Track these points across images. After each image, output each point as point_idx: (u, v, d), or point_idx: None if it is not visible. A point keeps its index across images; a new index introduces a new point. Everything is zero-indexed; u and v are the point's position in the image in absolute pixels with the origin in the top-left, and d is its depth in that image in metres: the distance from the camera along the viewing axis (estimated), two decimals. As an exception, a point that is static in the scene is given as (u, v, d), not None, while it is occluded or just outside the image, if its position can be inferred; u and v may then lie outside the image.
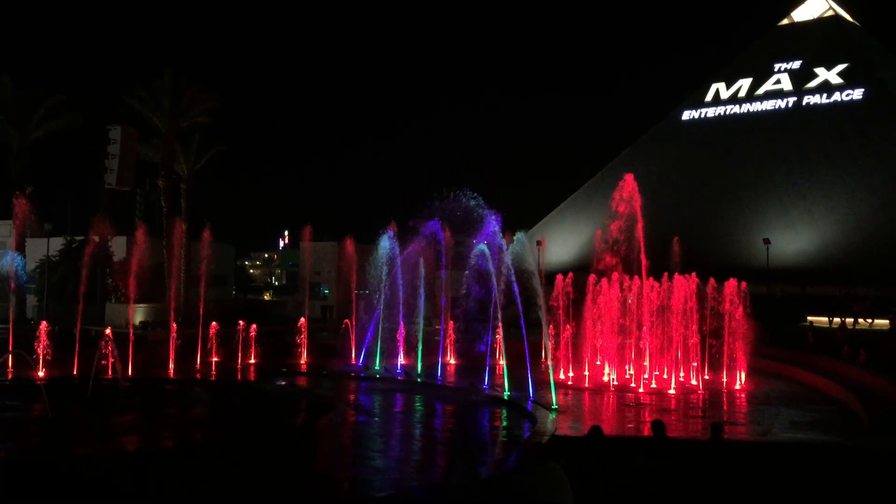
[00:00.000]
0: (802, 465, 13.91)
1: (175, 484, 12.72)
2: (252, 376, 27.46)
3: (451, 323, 31.43)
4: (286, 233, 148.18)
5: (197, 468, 13.45)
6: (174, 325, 29.24)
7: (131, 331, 28.46)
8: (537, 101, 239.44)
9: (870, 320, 39.26)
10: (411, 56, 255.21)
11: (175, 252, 40.76)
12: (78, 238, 46.33)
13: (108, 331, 24.65)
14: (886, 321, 38.28)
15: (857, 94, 71.54)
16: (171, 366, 27.34)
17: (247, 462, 13.59)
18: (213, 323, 29.37)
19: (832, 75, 74.11)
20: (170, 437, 18.03)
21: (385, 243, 30.48)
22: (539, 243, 56.52)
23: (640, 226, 27.58)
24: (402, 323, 29.95)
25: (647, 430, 12.17)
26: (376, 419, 21.67)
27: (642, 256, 27.84)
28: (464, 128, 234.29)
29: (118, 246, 46.12)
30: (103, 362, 23.25)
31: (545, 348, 24.09)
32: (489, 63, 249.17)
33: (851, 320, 40.11)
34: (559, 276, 30.90)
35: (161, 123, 45.14)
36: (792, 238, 65.04)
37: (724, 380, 26.30)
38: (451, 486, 9.53)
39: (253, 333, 29.86)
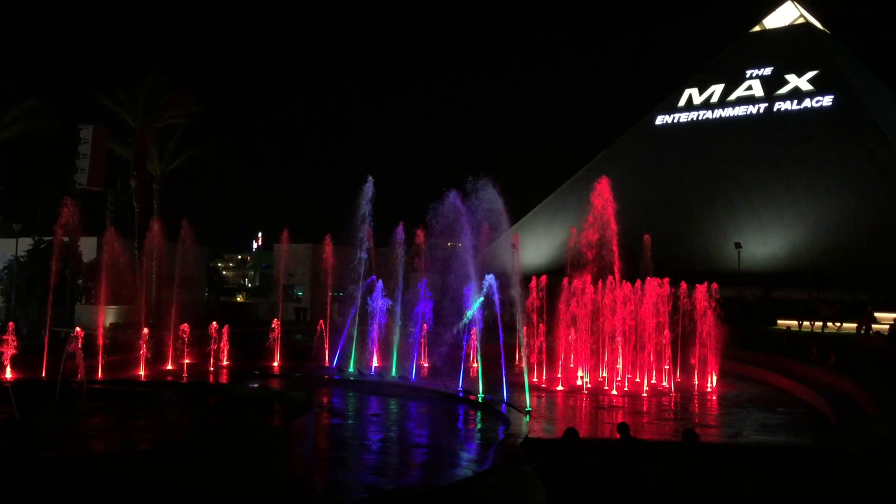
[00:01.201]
0: (772, 466, 14.06)
1: (145, 487, 12.57)
2: (225, 378, 27.25)
3: (425, 326, 31.40)
4: (259, 234, 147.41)
5: (168, 471, 13.30)
6: (145, 327, 28.94)
7: (101, 332, 28.12)
8: (513, 102, 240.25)
9: (838, 324, 39.81)
10: (394, 57, 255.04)
11: (146, 253, 40.34)
12: (46, 238, 45.71)
13: (77, 332, 24.34)
14: (854, 325, 38.86)
15: (827, 100, 72.64)
16: (143, 368, 27.04)
17: (220, 465, 13.47)
18: (185, 325, 29.10)
19: (802, 82, 75.17)
20: (140, 440, 17.82)
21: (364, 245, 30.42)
22: (513, 245, 56.64)
23: (613, 230, 27.77)
24: (376, 325, 29.89)
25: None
26: (350, 421, 21.60)
27: (615, 260, 28.04)
28: (442, 128, 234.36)
29: (88, 246, 45.55)
30: (70, 364, 22.93)
31: (519, 350, 24.14)
32: (466, 59, 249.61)
33: (820, 324, 40.67)
34: (533, 279, 31.00)
35: (134, 123, 44.77)
36: (762, 242, 65.81)
37: (696, 382, 26.55)
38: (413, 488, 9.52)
39: (226, 335, 29.66)
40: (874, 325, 37.29)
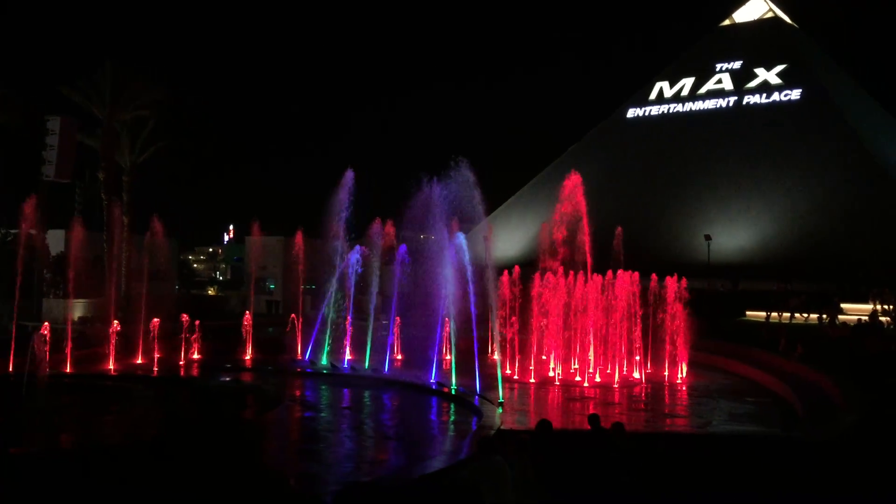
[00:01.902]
0: (740, 455, 14.27)
1: (113, 481, 12.46)
2: (196, 372, 27.06)
3: (398, 319, 31.35)
4: (231, 227, 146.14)
5: (137, 466, 13.20)
6: (114, 321, 28.62)
7: (69, 326, 27.77)
8: (482, 96, 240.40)
9: (805, 315, 40.33)
10: (363, 51, 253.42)
11: (115, 246, 39.88)
12: (13, 231, 44.97)
13: (44, 326, 24.01)
14: (817, 316, 39.40)
15: (796, 94, 73.49)
16: (112, 362, 26.76)
17: (190, 459, 13.38)
18: (155, 318, 28.82)
19: (771, 76, 75.98)
20: (109, 434, 17.66)
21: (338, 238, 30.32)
22: (486, 237, 56.77)
23: (584, 222, 27.95)
24: (349, 318, 29.83)
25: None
26: (323, 414, 21.57)
27: (587, 252, 28.25)
28: (411, 122, 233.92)
29: (56, 239, 44.90)
30: (40, 358, 22.61)
31: (492, 342, 24.23)
32: (436, 55, 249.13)
33: (788, 315, 41.15)
34: (505, 272, 31.09)
35: (101, 115, 44.16)
36: (732, 235, 66.54)
37: (666, 373, 26.85)
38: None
39: (197, 328, 29.43)
40: (840, 316, 37.88)
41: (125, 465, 13.00)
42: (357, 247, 29.87)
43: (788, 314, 38.69)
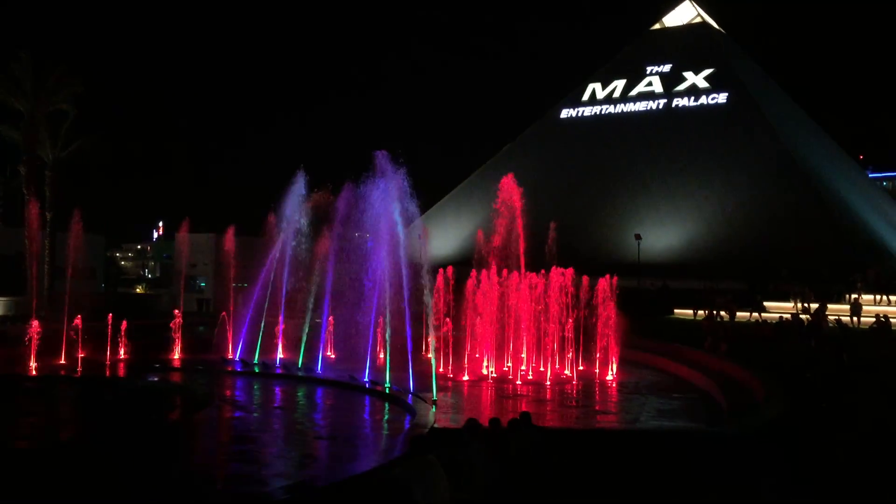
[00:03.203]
0: (668, 450, 14.59)
1: (31, 487, 12.03)
2: (122, 372, 26.34)
3: (331, 318, 31.08)
4: (160, 224, 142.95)
5: (59, 469, 12.77)
6: (35, 319, 27.64)
7: (-13, 325, 26.76)
8: (423, 90, 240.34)
9: (729, 313, 41.49)
10: (293, 48, 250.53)
11: (36, 242, 38.51)
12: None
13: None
14: (746, 314, 40.66)
15: (722, 97, 75.57)
16: (33, 362, 25.85)
17: (111, 462, 13.02)
18: (78, 316, 27.93)
19: (699, 79, 77.93)
20: (27, 436, 17.03)
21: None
22: (420, 236, 56.82)
23: (519, 222, 28.18)
24: (281, 316, 29.45)
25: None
26: (255, 414, 21.23)
27: (521, 251, 28.49)
28: (349, 114, 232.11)
29: (-26, 236, 43.29)
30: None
31: (427, 341, 24.23)
32: (371, 43, 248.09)
33: (720, 313, 42.26)
34: (440, 270, 31.16)
35: (23, 107, 42.67)
36: (661, 234, 68.02)
37: (597, 371, 27.28)
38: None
39: (123, 327, 28.65)
40: (763, 314, 39.13)
41: (33, 471, 12.50)
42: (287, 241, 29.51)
43: (714, 312, 39.77)
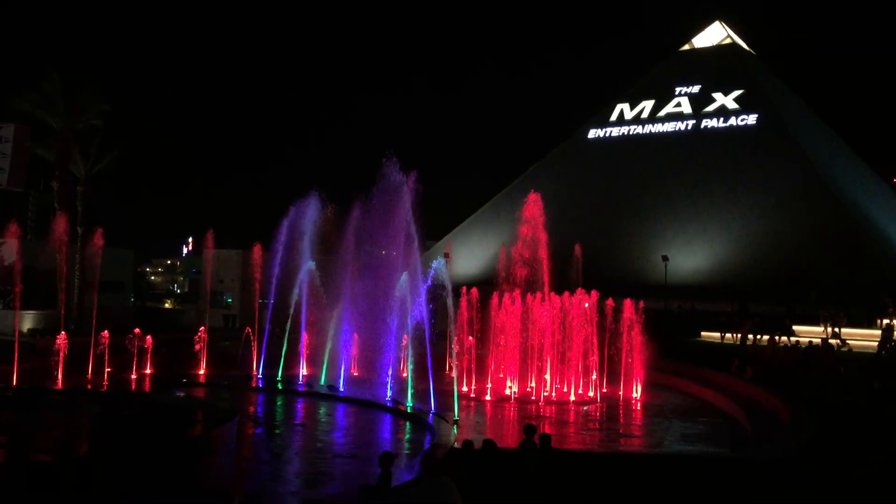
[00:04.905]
0: (691, 475, 14.37)
1: (53, 499, 12.11)
2: (147, 387, 26.55)
3: (355, 335, 31.14)
4: (190, 239, 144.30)
5: (80, 482, 12.85)
6: (64, 333, 27.99)
7: (17, 338, 27.13)
8: (451, 113, 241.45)
9: (758, 337, 40.91)
10: (319, 59, 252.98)
11: (64, 256, 39.08)
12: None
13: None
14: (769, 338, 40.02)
15: (751, 119, 74.94)
16: (60, 375, 26.15)
17: (130, 476, 13.07)
18: (105, 331, 28.23)
19: (728, 100, 77.41)
20: (46, 450, 17.18)
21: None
22: (446, 255, 56.89)
23: (543, 243, 28.10)
24: (304, 333, 29.58)
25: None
26: (277, 431, 21.29)
27: (545, 272, 28.39)
28: (373, 133, 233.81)
29: (9, 250, 43.95)
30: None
31: (450, 360, 24.18)
32: (395, 67, 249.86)
33: (741, 336, 41.70)
34: (464, 290, 31.15)
35: (55, 123, 43.52)
36: (688, 256, 67.40)
37: (621, 393, 27.01)
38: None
39: (150, 342, 28.90)
40: (792, 338, 38.53)
41: (46, 484, 12.56)
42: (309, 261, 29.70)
43: (741, 335, 39.29)
